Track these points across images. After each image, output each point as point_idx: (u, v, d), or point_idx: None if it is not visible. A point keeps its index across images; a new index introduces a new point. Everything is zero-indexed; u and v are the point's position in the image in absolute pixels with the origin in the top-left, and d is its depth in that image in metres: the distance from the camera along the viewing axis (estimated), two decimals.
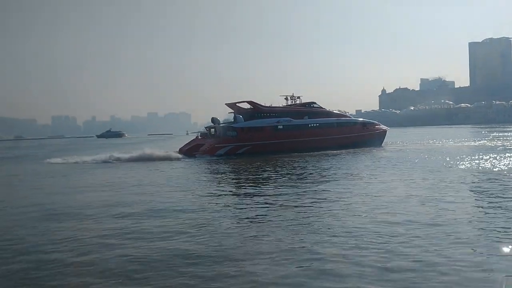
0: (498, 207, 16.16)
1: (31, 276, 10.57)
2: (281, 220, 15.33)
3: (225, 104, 56.83)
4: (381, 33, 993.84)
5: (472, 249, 11.31)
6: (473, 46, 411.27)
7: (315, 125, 56.28)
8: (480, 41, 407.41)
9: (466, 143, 59.89)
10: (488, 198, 18.09)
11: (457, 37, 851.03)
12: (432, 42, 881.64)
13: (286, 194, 21.07)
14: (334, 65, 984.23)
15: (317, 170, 31.48)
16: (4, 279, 10.50)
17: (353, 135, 58.57)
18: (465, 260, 10.44)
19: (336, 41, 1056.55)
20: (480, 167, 29.49)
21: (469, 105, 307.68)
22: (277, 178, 27.69)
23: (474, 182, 22.98)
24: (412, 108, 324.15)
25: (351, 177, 27.33)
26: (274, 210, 17.50)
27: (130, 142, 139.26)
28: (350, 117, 64.39)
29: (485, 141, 62.08)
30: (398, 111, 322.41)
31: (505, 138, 70.68)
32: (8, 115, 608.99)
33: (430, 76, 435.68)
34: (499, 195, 18.66)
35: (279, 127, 53.84)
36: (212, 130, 55.47)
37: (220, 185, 26.68)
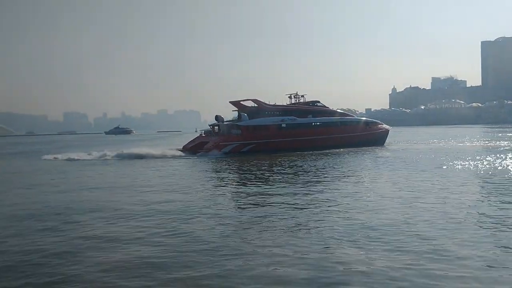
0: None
1: None
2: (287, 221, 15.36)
3: (229, 102, 56.85)
4: (393, 31, 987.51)
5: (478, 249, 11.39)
6: (485, 45, 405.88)
7: (319, 123, 56.22)
8: (493, 40, 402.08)
9: (468, 143, 59.24)
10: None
11: (470, 36, 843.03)
12: (444, 40, 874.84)
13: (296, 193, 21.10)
14: (344, 63, 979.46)
15: (329, 168, 31.46)
16: None
17: (356, 134, 58.43)
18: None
19: (346, 39, 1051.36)
20: (484, 169, 29.21)
21: (480, 105, 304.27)
22: (286, 179, 27.69)
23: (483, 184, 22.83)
24: (422, 107, 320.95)
25: (350, 177, 27.30)
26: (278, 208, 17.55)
27: (137, 138, 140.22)
28: (353, 116, 64.35)
29: (492, 141, 61.39)
30: (408, 110, 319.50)
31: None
32: (21, 111, 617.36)
33: (442, 75, 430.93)
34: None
35: (283, 125, 53.85)
36: (216, 127, 55.67)
37: (229, 183, 26.78)
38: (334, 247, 11.81)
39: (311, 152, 48.03)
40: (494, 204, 16.91)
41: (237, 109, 56.11)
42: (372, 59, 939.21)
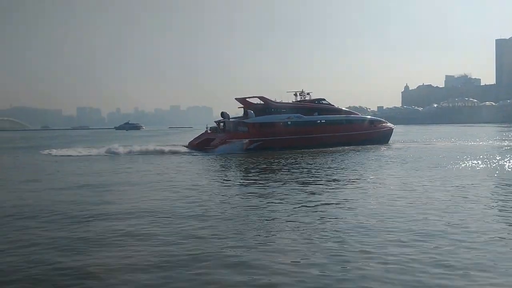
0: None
1: None
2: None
3: (235, 98, 56.97)
4: (406, 28, 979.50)
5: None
6: (500, 43, 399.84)
7: (324, 121, 56.30)
8: (508, 38, 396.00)
9: (473, 143, 58.58)
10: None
11: (484, 34, 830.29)
12: (458, 38, 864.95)
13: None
14: (357, 60, 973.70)
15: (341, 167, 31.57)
16: None
17: (361, 132, 58.48)
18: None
19: (359, 37, 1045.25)
20: (485, 170, 28.79)
21: (493, 104, 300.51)
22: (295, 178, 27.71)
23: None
24: (435, 105, 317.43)
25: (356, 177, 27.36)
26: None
27: (146, 134, 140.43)
28: (358, 114, 64.62)
29: (500, 141, 60.81)
30: (420, 108, 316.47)
31: None
32: (36, 106, 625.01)
33: (455, 73, 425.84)
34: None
35: (289, 123, 53.85)
36: (222, 124, 55.85)
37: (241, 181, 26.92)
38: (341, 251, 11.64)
39: (317, 149, 47.81)
40: None
41: (242, 106, 56.30)
42: (385, 56, 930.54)
